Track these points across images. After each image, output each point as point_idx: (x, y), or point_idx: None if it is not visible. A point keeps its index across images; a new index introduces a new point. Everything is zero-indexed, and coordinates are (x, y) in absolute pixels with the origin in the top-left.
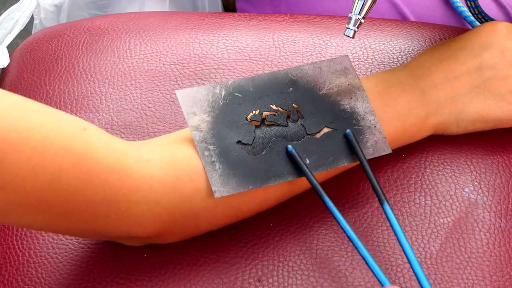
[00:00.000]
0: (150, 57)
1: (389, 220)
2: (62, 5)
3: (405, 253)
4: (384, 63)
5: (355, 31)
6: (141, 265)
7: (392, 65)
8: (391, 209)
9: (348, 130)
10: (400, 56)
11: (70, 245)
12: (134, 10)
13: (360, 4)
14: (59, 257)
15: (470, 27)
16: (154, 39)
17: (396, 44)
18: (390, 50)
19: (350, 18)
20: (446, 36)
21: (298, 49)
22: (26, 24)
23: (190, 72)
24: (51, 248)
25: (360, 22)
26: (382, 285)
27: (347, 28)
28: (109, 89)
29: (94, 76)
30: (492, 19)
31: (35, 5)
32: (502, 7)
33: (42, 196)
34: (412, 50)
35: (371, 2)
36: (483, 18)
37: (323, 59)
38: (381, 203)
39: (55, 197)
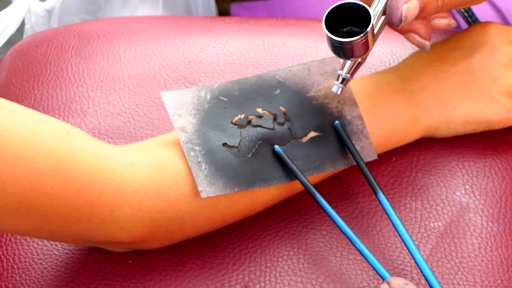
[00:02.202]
0: (139, 61)
1: (384, 209)
2: (53, 10)
3: (403, 240)
4: (375, 66)
5: (342, 89)
6: (126, 271)
7: (383, 69)
8: (386, 198)
9: (337, 122)
10: (391, 59)
11: (54, 250)
12: (125, 15)
13: (349, 64)
14: (44, 263)
15: None
16: (143, 43)
17: (388, 47)
18: (382, 53)
19: (339, 75)
20: (438, 39)
21: (288, 53)
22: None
23: (179, 76)
24: (35, 254)
25: (348, 80)
26: (383, 279)
27: (335, 84)
28: (97, 93)
29: (82, 80)
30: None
31: (26, 9)
32: (498, 11)
33: (23, 200)
34: (404, 53)
35: (360, 63)
36: (473, 22)
37: None
38: (375, 193)
39: (36, 200)
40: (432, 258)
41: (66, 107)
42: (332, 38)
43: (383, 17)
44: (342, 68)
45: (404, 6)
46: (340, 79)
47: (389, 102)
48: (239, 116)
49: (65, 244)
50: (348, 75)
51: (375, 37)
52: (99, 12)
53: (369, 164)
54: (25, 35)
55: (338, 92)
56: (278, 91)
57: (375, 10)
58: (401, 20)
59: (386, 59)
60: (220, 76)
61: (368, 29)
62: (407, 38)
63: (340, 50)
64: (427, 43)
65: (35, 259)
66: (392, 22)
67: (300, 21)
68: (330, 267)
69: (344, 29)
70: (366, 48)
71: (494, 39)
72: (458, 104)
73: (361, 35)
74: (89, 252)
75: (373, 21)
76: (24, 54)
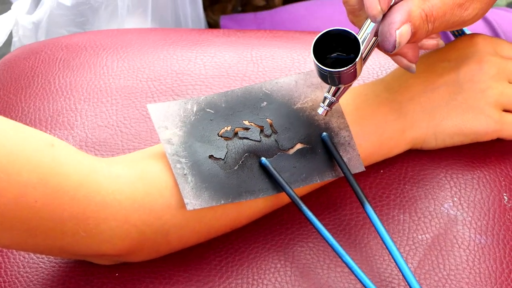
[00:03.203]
0: (127, 74)
1: (371, 221)
2: (40, 23)
3: (390, 252)
4: (363, 78)
5: (327, 111)
6: (112, 284)
7: (372, 80)
8: (373, 210)
9: (324, 134)
10: (380, 71)
11: (41, 264)
12: (113, 27)
13: (334, 88)
14: (30, 276)
15: None
16: (131, 56)
17: (376, 59)
18: (370, 65)
19: (325, 98)
20: (427, 51)
21: (276, 65)
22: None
23: (166, 88)
24: (21, 267)
25: (334, 103)
26: None
27: (321, 106)
28: (84, 106)
29: (70, 93)
30: None
31: (14, 22)
32: (488, 23)
33: (7, 213)
34: (393, 65)
35: (346, 87)
36: (460, 35)
37: None
38: (363, 205)
39: (21, 213)
40: (419, 270)
41: (53, 119)
42: (320, 67)
43: (371, 42)
44: (328, 91)
45: (398, 32)
46: (327, 102)
47: (377, 114)
48: (225, 128)
49: (51, 257)
50: (334, 98)
51: (363, 63)
52: (87, 24)
53: (357, 176)
54: (12, 48)
55: (323, 115)
56: (265, 103)
57: (363, 36)
58: (395, 47)
59: (374, 71)
60: (208, 88)
61: (357, 59)
62: (394, 60)
63: (328, 78)
64: (413, 65)
65: (21, 272)
66: (385, 48)
67: (288, 34)
68: (317, 280)
69: (332, 55)
70: (354, 76)
71: (481, 51)
72: (446, 115)
73: (350, 65)
74: (75, 265)
75: (362, 50)
76: (12, 67)
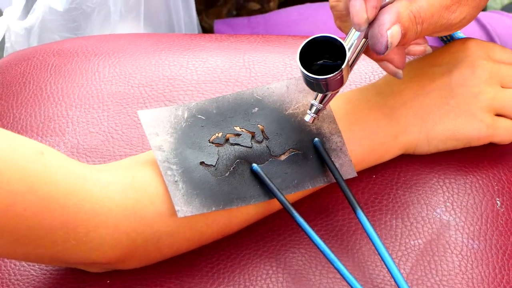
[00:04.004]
0: (119, 79)
1: (363, 227)
2: (32, 28)
3: (382, 258)
4: (356, 83)
5: (314, 118)
6: None
7: (364, 85)
8: (365, 215)
9: (316, 139)
10: (372, 75)
11: (32, 271)
12: (106, 33)
13: (321, 95)
14: (21, 283)
15: None
16: (123, 61)
17: (369, 63)
18: (362, 70)
19: (312, 105)
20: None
21: (268, 70)
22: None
23: (158, 94)
24: (12, 274)
25: (321, 110)
26: None
27: (308, 113)
28: (76, 112)
29: (61, 99)
30: None
31: (6, 28)
32: (482, 26)
33: None
34: None
35: (333, 94)
36: (448, 41)
37: None
38: (355, 211)
39: (10, 223)
40: (412, 276)
41: (44, 126)
42: (306, 75)
43: (358, 48)
44: (315, 98)
45: (389, 32)
46: (314, 109)
47: (368, 119)
48: (216, 134)
49: (42, 265)
50: (321, 105)
51: (350, 69)
52: (79, 30)
53: (349, 182)
54: (5, 54)
55: (310, 122)
56: (256, 109)
57: (349, 43)
58: (387, 47)
59: (367, 76)
60: (200, 93)
61: (343, 66)
62: (381, 66)
63: (315, 85)
64: (400, 71)
65: (12, 280)
66: (377, 50)
67: (281, 38)
68: (309, 286)
69: (318, 62)
70: (341, 83)
71: (473, 55)
72: (438, 120)
73: (336, 72)
74: (66, 272)
75: (348, 57)
76: (3, 73)
